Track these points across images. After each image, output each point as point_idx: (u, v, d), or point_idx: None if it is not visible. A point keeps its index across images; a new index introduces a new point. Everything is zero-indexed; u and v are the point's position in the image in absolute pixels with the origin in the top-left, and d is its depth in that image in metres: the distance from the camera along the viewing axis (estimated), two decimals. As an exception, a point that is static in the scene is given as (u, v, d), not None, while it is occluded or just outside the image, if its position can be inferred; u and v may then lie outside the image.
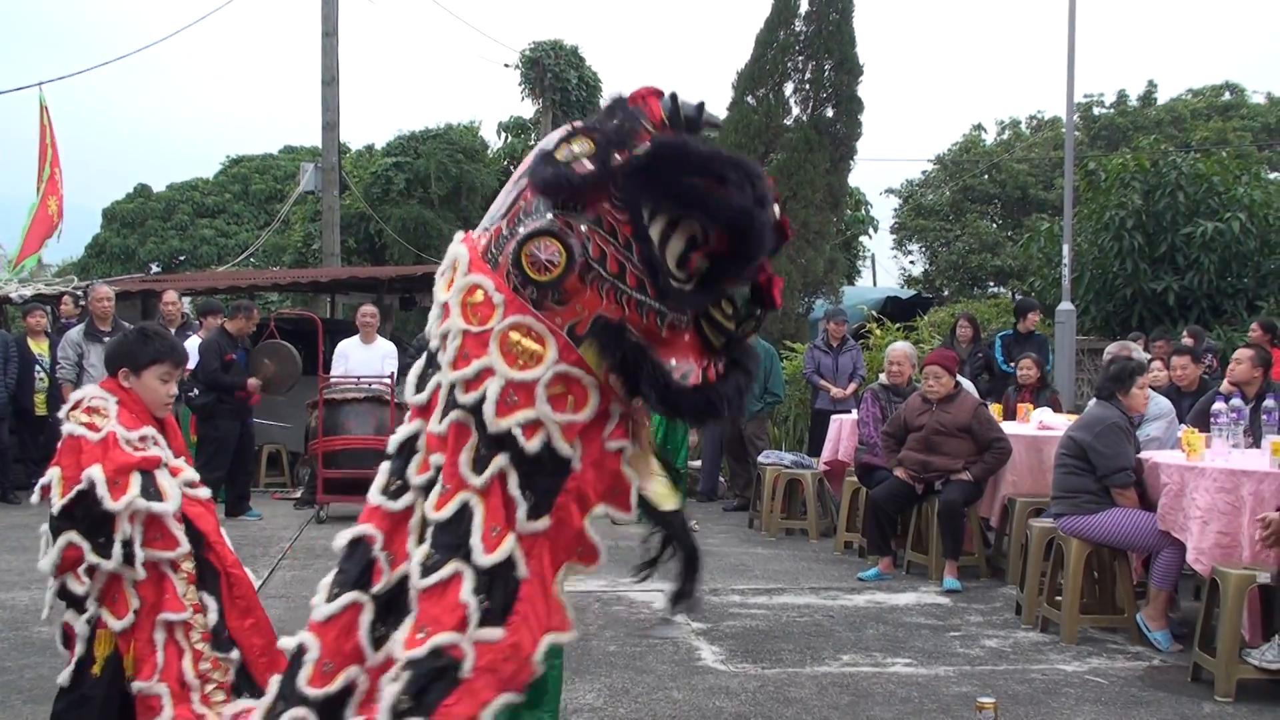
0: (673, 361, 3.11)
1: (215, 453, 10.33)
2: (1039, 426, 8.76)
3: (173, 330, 12.23)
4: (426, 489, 3.23)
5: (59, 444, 3.72)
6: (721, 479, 12.85)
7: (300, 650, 3.27)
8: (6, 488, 11.83)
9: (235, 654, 3.77)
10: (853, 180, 18.68)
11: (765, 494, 10.54)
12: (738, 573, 8.44)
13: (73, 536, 3.56)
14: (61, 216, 18.85)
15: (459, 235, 3.43)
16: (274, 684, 3.38)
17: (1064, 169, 16.44)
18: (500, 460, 3.13)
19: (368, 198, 26.68)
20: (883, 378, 9.58)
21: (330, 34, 20.21)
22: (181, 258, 37.31)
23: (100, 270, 33.55)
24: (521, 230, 3.17)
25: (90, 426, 3.70)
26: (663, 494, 3.30)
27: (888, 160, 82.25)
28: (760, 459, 10.93)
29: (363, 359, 11.46)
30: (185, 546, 3.66)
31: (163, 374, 3.89)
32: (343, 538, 3.35)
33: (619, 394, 3.13)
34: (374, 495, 3.37)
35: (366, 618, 3.23)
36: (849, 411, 10.65)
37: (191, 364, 11.17)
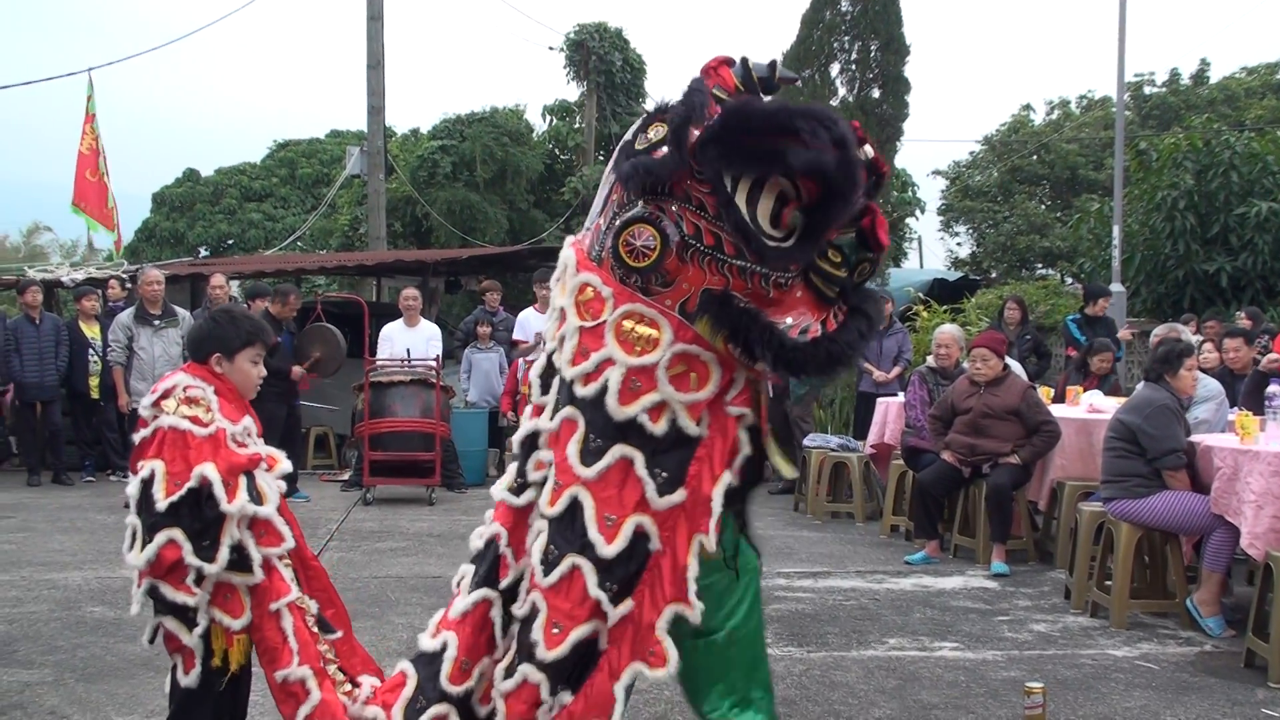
0: (788, 319, 3.12)
1: (263, 435, 10.39)
2: (1088, 409, 8.67)
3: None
4: (543, 484, 3.34)
5: (153, 435, 3.49)
6: (766, 461, 12.81)
7: (442, 648, 3.45)
8: (59, 469, 12.00)
9: (339, 634, 3.72)
10: (899, 161, 18.56)
11: (811, 477, 10.50)
12: (783, 556, 8.41)
13: (175, 534, 3.34)
14: (111, 206, 19.00)
15: (567, 240, 3.51)
16: (410, 675, 3.51)
17: (1114, 149, 16.28)
18: (620, 448, 3.20)
19: (414, 181, 26.78)
20: (930, 360, 9.51)
21: (375, 18, 20.29)
22: (229, 241, 37.66)
23: (150, 254, 33.93)
24: (617, 223, 3.24)
25: (195, 420, 3.50)
26: (783, 464, 3.38)
27: (935, 141, 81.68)
28: (806, 442, 10.89)
29: (407, 342, 11.50)
30: (290, 541, 3.56)
31: (254, 356, 3.79)
32: (477, 536, 3.53)
33: (742, 363, 3.18)
34: (498, 490, 3.53)
35: (496, 612, 3.42)
36: (895, 394, 10.59)
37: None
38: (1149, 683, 5.54)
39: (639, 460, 3.18)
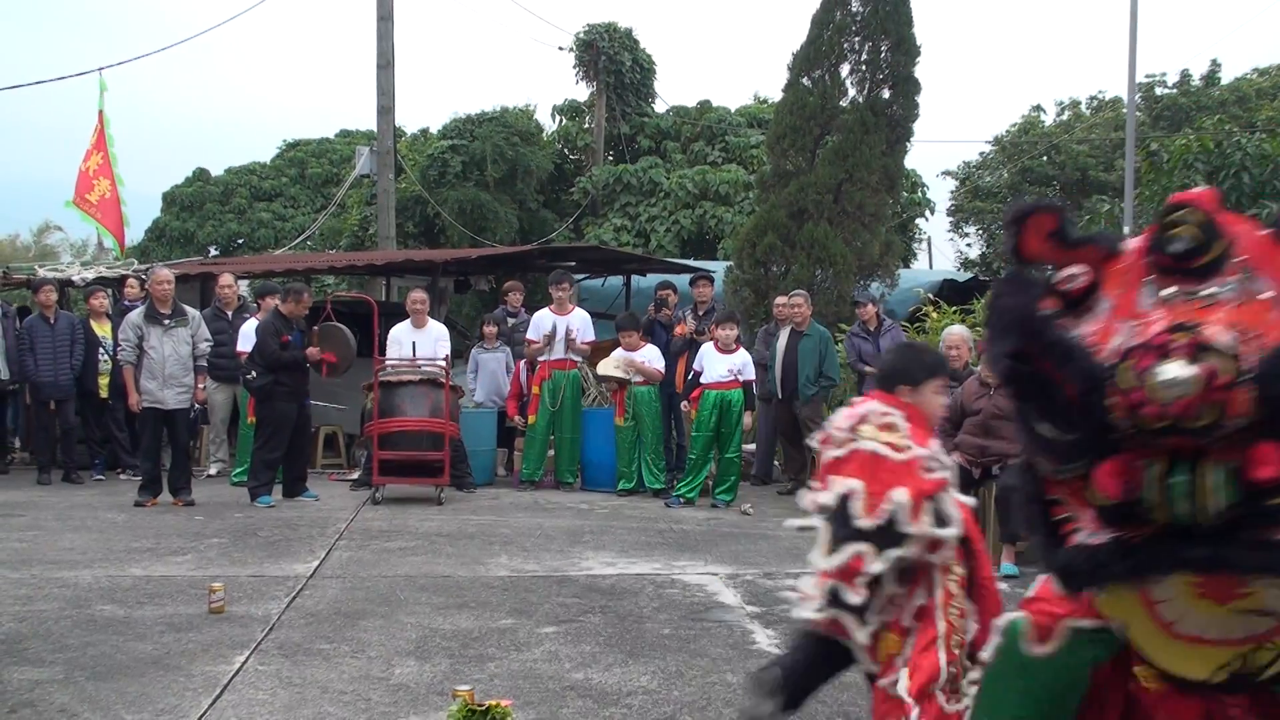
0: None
1: (273, 434, 10.43)
2: (1099, 411, 8.64)
3: (230, 313, 12.37)
4: None
5: (849, 455, 3.80)
6: (776, 462, 12.82)
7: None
8: (70, 468, 12.02)
9: (977, 673, 3.57)
10: (909, 162, 18.50)
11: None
12: (792, 556, 8.40)
13: (863, 549, 3.65)
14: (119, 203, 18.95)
15: None
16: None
17: (1125, 150, 16.24)
18: None
19: (424, 181, 26.81)
20: (939, 361, 9.48)
21: (385, 18, 20.30)
22: (239, 241, 37.74)
23: (160, 253, 34.00)
24: None
25: (892, 446, 3.75)
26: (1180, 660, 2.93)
27: (945, 142, 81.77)
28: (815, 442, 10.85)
29: (416, 343, 11.50)
30: (950, 554, 3.73)
31: (937, 388, 4.00)
32: None
33: None
34: None
35: None
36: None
37: (246, 346, 11.29)
38: (1159, 685, 5.51)
39: None
